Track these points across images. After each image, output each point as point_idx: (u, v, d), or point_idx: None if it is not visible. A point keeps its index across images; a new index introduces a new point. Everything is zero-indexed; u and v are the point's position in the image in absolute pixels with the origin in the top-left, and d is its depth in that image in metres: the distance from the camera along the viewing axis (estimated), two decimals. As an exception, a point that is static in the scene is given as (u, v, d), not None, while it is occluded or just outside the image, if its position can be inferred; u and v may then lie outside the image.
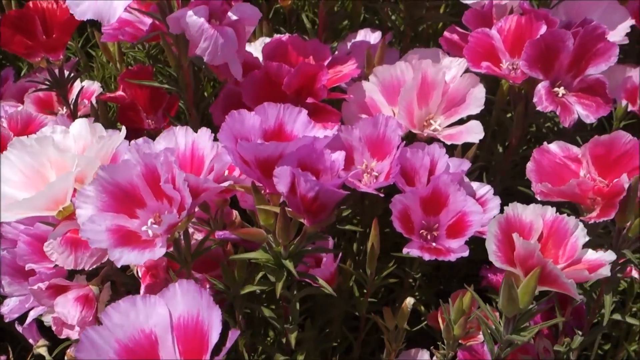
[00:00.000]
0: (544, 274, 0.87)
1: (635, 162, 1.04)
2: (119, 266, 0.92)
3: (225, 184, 0.98)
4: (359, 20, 1.91)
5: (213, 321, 0.76)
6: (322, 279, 1.22)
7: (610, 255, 0.90)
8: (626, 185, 0.97)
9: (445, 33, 1.47)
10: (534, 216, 0.94)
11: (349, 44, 1.61)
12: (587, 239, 0.92)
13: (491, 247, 0.91)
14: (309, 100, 1.26)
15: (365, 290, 1.29)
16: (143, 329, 0.78)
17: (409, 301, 1.16)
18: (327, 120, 1.25)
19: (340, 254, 1.25)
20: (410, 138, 1.41)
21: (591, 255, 0.92)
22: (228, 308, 1.25)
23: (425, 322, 1.41)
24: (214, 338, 0.76)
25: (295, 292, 1.14)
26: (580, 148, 1.08)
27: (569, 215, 1.01)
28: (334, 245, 1.48)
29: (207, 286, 1.23)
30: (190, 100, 1.30)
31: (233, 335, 0.74)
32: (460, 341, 1.18)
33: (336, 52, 1.51)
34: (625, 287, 1.44)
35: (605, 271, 0.87)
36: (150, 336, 0.78)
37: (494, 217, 1.18)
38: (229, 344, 0.73)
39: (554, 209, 0.94)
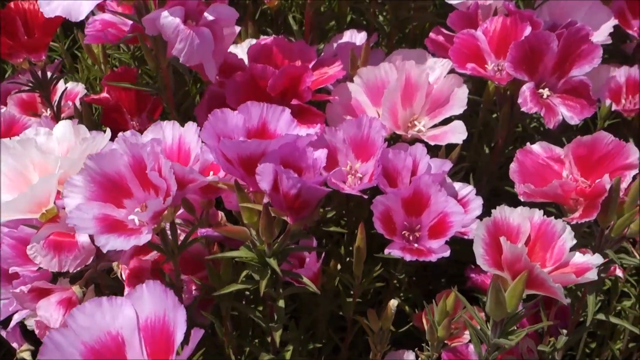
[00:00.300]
0: (531, 278, 0.87)
1: (617, 162, 1.04)
2: (105, 251, 0.93)
3: (209, 178, 0.98)
4: (346, 21, 1.92)
5: (178, 321, 0.76)
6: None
7: (597, 259, 0.90)
8: (608, 186, 0.98)
9: (431, 34, 1.47)
10: (522, 219, 0.94)
11: (335, 45, 1.62)
12: (574, 242, 0.92)
13: (479, 250, 0.90)
14: (294, 101, 1.26)
15: (351, 292, 1.29)
16: (109, 331, 0.78)
17: (393, 303, 1.16)
18: (311, 121, 1.25)
19: (323, 254, 1.25)
20: (395, 139, 1.41)
21: (578, 258, 0.92)
22: (215, 309, 1.25)
23: (412, 323, 1.40)
24: (179, 338, 0.76)
25: (280, 291, 1.13)
26: (563, 149, 1.09)
27: (555, 215, 1.02)
28: (318, 246, 1.48)
29: (194, 287, 1.23)
30: (170, 102, 1.30)
31: (196, 334, 0.74)
32: (446, 341, 1.19)
33: (322, 54, 1.51)
34: (610, 286, 1.45)
35: (592, 275, 0.87)
36: (117, 338, 0.78)
37: (478, 218, 1.20)
38: (192, 344, 0.73)
39: (542, 211, 0.94)
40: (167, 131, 1.03)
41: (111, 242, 0.90)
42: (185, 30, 1.13)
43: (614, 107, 1.55)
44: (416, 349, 1.19)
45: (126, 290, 1.09)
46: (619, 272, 1.38)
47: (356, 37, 1.62)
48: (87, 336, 0.77)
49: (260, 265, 1.00)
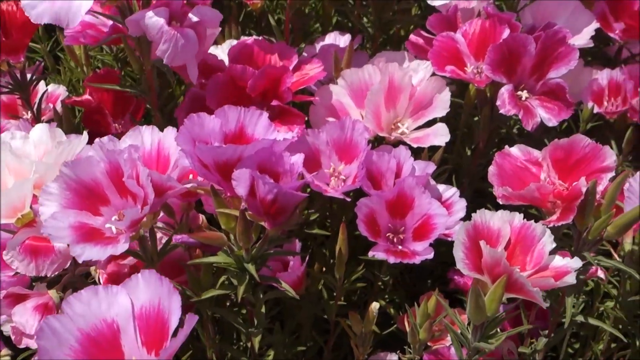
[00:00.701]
0: (511, 282, 0.87)
1: (594, 165, 1.04)
2: (80, 262, 0.92)
3: (188, 185, 0.97)
4: (330, 22, 1.92)
5: (173, 307, 0.77)
6: (289, 283, 1.22)
7: (576, 263, 0.90)
8: (584, 189, 0.98)
9: (411, 37, 1.47)
10: (502, 223, 0.94)
11: (317, 47, 1.61)
12: (554, 245, 0.92)
13: (459, 254, 0.90)
14: (274, 102, 1.26)
15: (335, 294, 1.29)
16: (105, 318, 0.79)
17: (374, 306, 1.15)
18: (291, 122, 1.25)
19: (307, 257, 1.24)
20: (379, 141, 1.41)
21: (558, 261, 0.92)
22: (197, 312, 1.24)
23: (396, 325, 1.40)
24: (173, 323, 0.77)
25: (261, 296, 1.13)
26: (541, 151, 1.09)
27: (537, 218, 1.02)
28: (303, 248, 1.47)
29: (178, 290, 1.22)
30: (154, 103, 1.29)
31: (191, 319, 0.74)
32: (429, 343, 1.19)
33: (304, 55, 1.51)
34: (592, 288, 1.46)
35: (571, 279, 0.87)
36: (112, 325, 0.79)
37: (461, 221, 1.20)
38: (187, 328, 0.74)
39: (522, 215, 0.94)
40: (146, 136, 1.02)
41: (87, 252, 0.89)
42: (169, 31, 1.12)
43: (596, 110, 1.55)
44: (398, 351, 1.19)
45: (132, 275, 1.07)
46: (600, 274, 1.39)
47: (340, 39, 1.62)
48: (82, 323, 0.78)
49: (238, 271, 0.99)
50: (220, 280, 1.05)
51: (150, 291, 0.79)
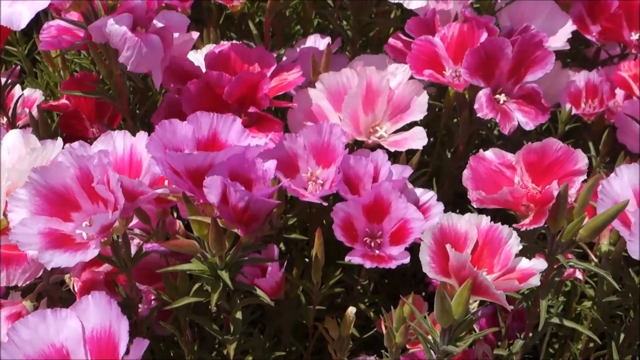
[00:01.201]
0: (476, 285, 0.87)
1: (566, 168, 1.05)
2: (49, 269, 0.92)
3: (160, 190, 0.97)
4: (312, 25, 1.91)
5: (122, 332, 0.77)
6: (267, 288, 1.22)
7: (541, 264, 0.91)
8: (556, 192, 0.99)
9: (390, 40, 1.48)
10: (469, 226, 0.94)
11: (298, 50, 1.61)
12: (521, 247, 0.93)
13: (425, 258, 0.91)
14: (251, 109, 1.25)
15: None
16: (53, 343, 0.78)
17: (351, 310, 1.15)
18: (269, 129, 1.24)
19: (285, 263, 1.24)
20: (359, 145, 1.41)
21: (524, 263, 0.93)
22: (176, 319, 1.23)
23: (376, 329, 1.41)
24: (122, 349, 0.77)
25: (238, 302, 1.12)
26: (515, 155, 1.09)
27: (515, 220, 1.02)
28: (282, 253, 1.47)
29: (152, 297, 1.22)
30: (125, 109, 1.29)
31: (139, 344, 0.74)
32: (407, 345, 1.19)
33: (284, 59, 1.51)
34: (570, 288, 1.47)
35: (535, 281, 0.88)
36: (62, 350, 0.78)
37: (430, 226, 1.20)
38: (134, 355, 0.73)
39: (489, 217, 0.94)
40: (118, 141, 1.01)
41: (55, 259, 0.89)
42: (132, 38, 1.11)
43: (574, 111, 1.57)
44: (375, 355, 1.19)
45: (82, 297, 1.07)
46: (578, 275, 1.40)
47: (320, 42, 1.62)
48: (29, 349, 0.77)
49: (212, 278, 0.99)
50: (195, 287, 1.04)
51: (100, 314, 0.79)
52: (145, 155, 1.00)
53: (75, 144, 0.99)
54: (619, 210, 0.97)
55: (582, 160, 1.04)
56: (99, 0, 1.18)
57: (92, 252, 0.91)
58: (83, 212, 0.96)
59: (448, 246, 0.88)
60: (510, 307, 0.89)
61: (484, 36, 1.31)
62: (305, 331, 1.47)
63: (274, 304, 1.32)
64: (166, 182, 1.09)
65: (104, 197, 0.94)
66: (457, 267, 0.89)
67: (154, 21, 1.21)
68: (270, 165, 0.96)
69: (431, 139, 1.60)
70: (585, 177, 1.06)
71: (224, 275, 0.97)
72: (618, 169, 1.11)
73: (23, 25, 1.08)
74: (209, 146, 1.00)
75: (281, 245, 1.60)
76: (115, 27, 1.13)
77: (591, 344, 1.39)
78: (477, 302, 1.16)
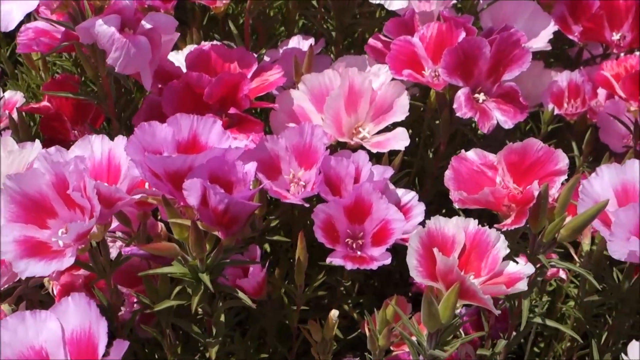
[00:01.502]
0: (463, 289, 0.87)
1: (547, 168, 1.05)
2: (23, 278, 0.91)
3: (137, 195, 0.96)
4: (297, 26, 1.91)
5: (101, 333, 0.77)
6: (249, 289, 1.21)
7: (528, 269, 0.91)
8: (536, 192, 0.99)
9: (370, 41, 1.47)
10: (457, 229, 0.94)
11: (281, 51, 1.60)
12: (508, 251, 0.93)
13: (412, 262, 0.90)
14: (232, 110, 1.25)
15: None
16: (33, 346, 0.78)
17: (334, 313, 1.15)
18: (250, 130, 1.23)
19: (267, 264, 1.23)
20: (342, 146, 1.40)
21: (512, 267, 0.92)
22: (158, 323, 1.22)
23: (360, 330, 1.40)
24: (101, 350, 0.77)
25: (220, 304, 1.11)
26: (496, 155, 1.10)
27: (499, 221, 1.02)
28: (267, 255, 1.46)
29: (134, 300, 1.20)
30: (111, 111, 1.27)
31: (118, 346, 0.73)
32: (391, 347, 1.18)
33: (266, 59, 1.50)
34: (555, 288, 1.48)
35: (523, 285, 0.88)
36: (41, 352, 0.78)
37: (420, 226, 1.20)
38: (114, 356, 0.73)
39: (476, 221, 0.94)
40: (96, 146, 1.00)
41: (30, 268, 0.88)
42: (120, 39, 1.10)
43: (556, 111, 1.57)
44: (360, 357, 1.19)
45: (62, 299, 1.05)
46: (562, 274, 1.40)
47: (303, 43, 1.62)
48: (9, 352, 0.77)
49: (193, 281, 0.98)
50: (176, 290, 1.03)
51: (80, 315, 0.79)
52: (124, 159, 0.99)
53: (52, 149, 0.98)
54: (598, 210, 0.97)
55: (562, 160, 1.05)
56: (87, 1, 1.17)
57: (67, 261, 0.90)
58: (60, 219, 0.95)
59: (435, 250, 0.88)
60: (497, 312, 0.89)
61: (462, 36, 1.31)
62: (290, 333, 1.47)
63: (258, 305, 1.32)
64: (147, 185, 1.08)
65: (80, 204, 0.92)
66: (445, 271, 0.88)
67: (142, 22, 1.20)
68: (251, 167, 0.95)
69: (417, 139, 1.61)
70: (566, 177, 1.06)
71: (205, 278, 0.96)
72: (599, 168, 1.12)
73: (12, 26, 1.07)
74: (189, 148, 0.99)
75: (267, 246, 1.60)
76: (104, 28, 1.12)
77: (576, 344, 1.40)
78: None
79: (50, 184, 0.93)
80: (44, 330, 0.78)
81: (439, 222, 0.94)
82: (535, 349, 1.58)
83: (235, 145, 0.97)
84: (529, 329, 1.18)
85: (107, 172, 1.00)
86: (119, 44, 1.09)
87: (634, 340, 0.84)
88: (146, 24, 1.15)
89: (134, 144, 0.93)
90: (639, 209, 1.01)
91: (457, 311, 1.22)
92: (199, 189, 0.90)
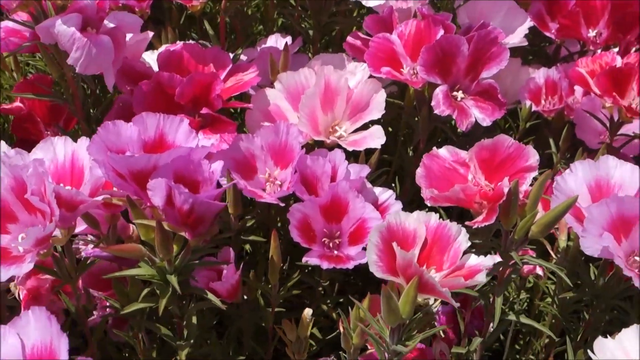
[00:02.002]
0: (422, 283, 0.86)
1: (518, 165, 1.05)
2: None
3: (100, 197, 0.94)
4: (276, 24, 1.90)
5: (62, 349, 0.76)
6: (223, 292, 1.20)
7: (488, 261, 0.90)
8: (507, 189, 0.98)
9: (349, 38, 1.46)
10: (418, 224, 0.93)
11: (258, 49, 1.59)
12: (469, 244, 0.92)
13: (372, 257, 0.89)
14: (204, 110, 1.23)
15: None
16: None
17: (307, 312, 1.14)
18: (223, 130, 1.22)
19: (242, 265, 1.22)
20: (320, 146, 1.39)
21: (473, 260, 0.92)
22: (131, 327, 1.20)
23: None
24: None
25: (192, 306, 1.10)
26: (468, 152, 1.09)
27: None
28: (247, 255, 1.45)
29: (107, 304, 1.19)
30: (79, 112, 1.26)
31: None
32: (367, 345, 1.17)
33: (243, 58, 1.48)
34: (533, 285, 1.48)
35: (482, 277, 0.87)
36: None
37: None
38: None
39: (437, 215, 0.94)
40: (59, 148, 0.99)
41: (-12, 274, 0.85)
42: (81, 39, 1.09)
43: (534, 108, 1.57)
44: (333, 356, 1.18)
45: (22, 313, 1.03)
46: (539, 271, 1.40)
47: (281, 42, 1.60)
48: None
49: (161, 283, 0.97)
50: (144, 292, 1.01)
51: (41, 330, 0.77)
52: (87, 161, 0.97)
53: (12, 151, 0.96)
54: (568, 205, 0.97)
55: (533, 156, 1.04)
56: (49, 0, 1.16)
57: (27, 266, 0.88)
58: (20, 223, 0.93)
59: (394, 244, 0.87)
60: (457, 304, 0.88)
61: (441, 33, 1.30)
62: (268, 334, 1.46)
63: (235, 307, 1.31)
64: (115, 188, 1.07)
65: (40, 208, 0.91)
66: (404, 266, 0.88)
67: (105, 21, 1.18)
68: (217, 166, 0.94)
69: (399, 137, 1.60)
70: (537, 173, 1.06)
71: (173, 279, 0.95)
72: (573, 165, 1.12)
73: None
74: (156, 147, 0.98)
75: (248, 247, 1.58)
76: (64, 28, 1.10)
77: (555, 340, 1.40)
78: (439, 300, 1.16)
79: (8, 188, 0.91)
80: (3, 346, 0.77)
81: (399, 217, 0.93)
82: (517, 346, 1.58)
83: (202, 145, 0.95)
84: (505, 326, 1.17)
85: (70, 175, 0.98)
86: (79, 44, 1.07)
87: (599, 337, 0.84)
88: (109, 23, 1.14)
89: (96, 144, 0.92)
90: (612, 205, 1.01)
91: (435, 309, 1.23)
92: (164, 189, 0.89)
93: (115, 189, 1.04)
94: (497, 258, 1.04)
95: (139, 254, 0.95)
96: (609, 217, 1.01)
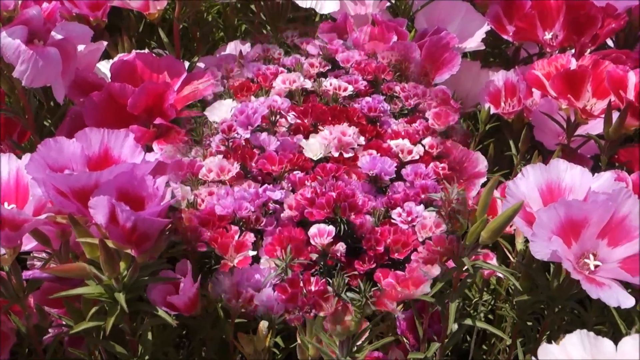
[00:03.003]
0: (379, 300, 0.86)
1: (467, 171, 1.05)
2: None
3: (43, 216, 0.92)
4: (240, 31, 1.88)
5: None
6: (181, 305, 1.18)
7: (435, 270, 0.90)
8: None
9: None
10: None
11: (217, 56, 1.58)
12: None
13: None
14: (157, 121, 1.22)
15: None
16: None
17: (263, 324, 1.13)
18: (176, 140, 1.21)
19: (199, 277, 1.20)
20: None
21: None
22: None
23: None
24: None
25: (145, 322, 1.08)
26: (419, 159, 1.09)
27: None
28: (201, 267, 1.43)
29: (64, 323, 1.17)
30: (30, 125, 1.23)
31: None
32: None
33: (200, 66, 1.47)
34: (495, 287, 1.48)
35: (426, 288, 0.87)
36: None
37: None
38: None
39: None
40: (2, 165, 0.96)
41: None
42: (27, 52, 1.07)
43: (494, 110, 1.58)
44: (293, 368, 1.17)
45: None
46: (500, 273, 1.41)
47: (241, 48, 1.59)
48: None
49: (110, 301, 0.95)
50: (92, 310, 1.00)
51: None
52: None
53: (-48, 170, 0.94)
54: (515, 210, 0.97)
55: (481, 162, 1.05)
56: (-5, 13, 1.13)
57: (-32, 287, 0.85)
58: (-38, 244, 0.91)
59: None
60: (401, 315, 0.88)
61: (394, 39, 1.30)
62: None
63: (195, 320, 1.29)
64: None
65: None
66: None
67: (53, 33, 1.16)
68: (161, 181, 0.92)
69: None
70: (485, 179, 1.06)
71: (120, 297, 0.93)
72: (524, 169, 1.12)
73: None
74: (101, 163, 0.96)
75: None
76: (8, 40, 1.08)
77: (508, 342, 1.41)
78: (401, 306, 1.16)
79: (-52, 207, 0.89)
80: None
81: None
82: (484, 346, 1.59)
83: (149, 159, 0.94)
84: (464, 330, 1.18)
85: (15, 193, 0.96)
86: (25, 57, 1.06)
87: (543, 343, 0.84)
88: (57, 35, 1.12)
89: (35, 162, 0.90)
90: (560, 209, 1.02)
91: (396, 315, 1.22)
92: (106, 207, 0.87)
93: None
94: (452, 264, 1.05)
95: (84, 273, 0.93)
96: (557, 221, 1.02)
